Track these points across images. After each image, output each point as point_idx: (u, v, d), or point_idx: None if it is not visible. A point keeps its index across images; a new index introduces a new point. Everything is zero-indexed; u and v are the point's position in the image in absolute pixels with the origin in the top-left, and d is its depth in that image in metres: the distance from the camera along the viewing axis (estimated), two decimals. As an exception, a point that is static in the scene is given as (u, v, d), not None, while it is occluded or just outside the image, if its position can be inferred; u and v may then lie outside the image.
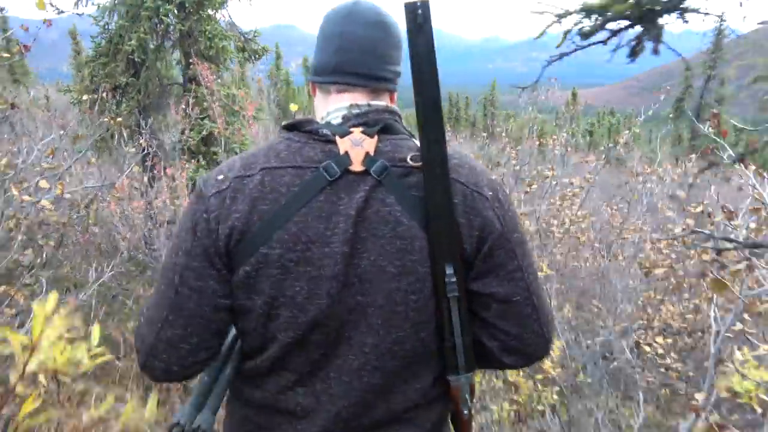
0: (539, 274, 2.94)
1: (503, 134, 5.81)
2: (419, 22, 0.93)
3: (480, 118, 42.64)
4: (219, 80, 5.22)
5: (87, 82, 5.59)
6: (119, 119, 3.54)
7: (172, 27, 5.87)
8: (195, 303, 0.98)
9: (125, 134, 4.59)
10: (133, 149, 4.09)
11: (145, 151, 4.39)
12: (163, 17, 5.68)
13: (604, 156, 4.59)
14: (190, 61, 5.03)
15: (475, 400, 1.16)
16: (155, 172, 4.43)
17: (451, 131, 19.49)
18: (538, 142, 5.83)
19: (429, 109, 0.95)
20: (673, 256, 4.25)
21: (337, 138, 0.99)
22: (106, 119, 4.02)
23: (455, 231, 0.96)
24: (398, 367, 1.00)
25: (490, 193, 1.01)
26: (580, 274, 5.09)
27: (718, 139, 2.25)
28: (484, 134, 6.40)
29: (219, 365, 1.05)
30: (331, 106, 1.05)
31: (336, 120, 1.03)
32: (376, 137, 0.99)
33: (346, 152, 0.97)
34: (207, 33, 5.45)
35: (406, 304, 0.97)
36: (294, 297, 0.96)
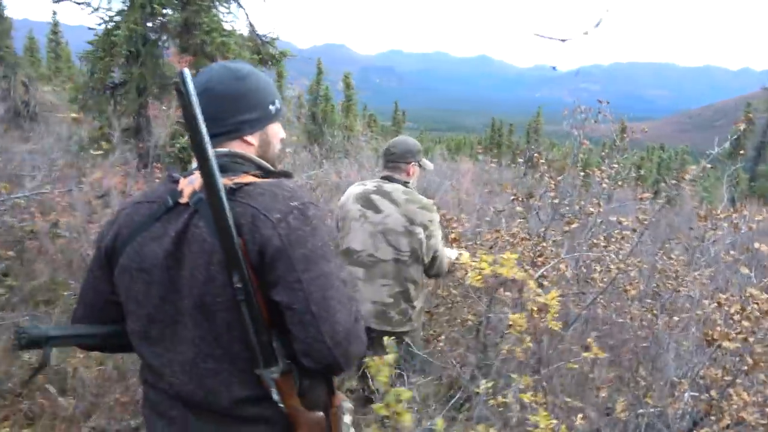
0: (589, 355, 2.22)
1: (542, 162, 5.07)
2: (179, 89, 1.13)
3: (523, 146, 41.51)
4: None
5: (86, 79, 5.12)
6: (95, 121, 3.00)
7: (165, 18, 5.23)
8: (93, 296, 1.42)
9: (115, 137, 4.04)
10: (114, 153, 3.55)
11: (129, 156, 3.86)
12: (157, 6, 5.03)
13: (664, 195, 3.79)
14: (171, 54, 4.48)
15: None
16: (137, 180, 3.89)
17: (483, 156, 18.72)
18: (582, 173, 5.07)
19: (198, 154, 1.15)
20: (746, 324, 3.41)
21: (181, 179, 1.33)
22: (91, 120, 3.50)
23: (235, 245, 1.15)
24: (226, 357, 1.24)
25: (277, 216, 1.21)
26: (624, 332, 4.26)
27: None
28: (520, 160, 5.67)
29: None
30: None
31: (194, 165, 1.30)
32: None
33: (182, 189, 1.29)
34: (204, 26, 4.88)
35: (215, 305, 1.21)
36: (136, 295, 1.30)
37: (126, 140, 4.66)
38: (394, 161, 3.09)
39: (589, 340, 2.25)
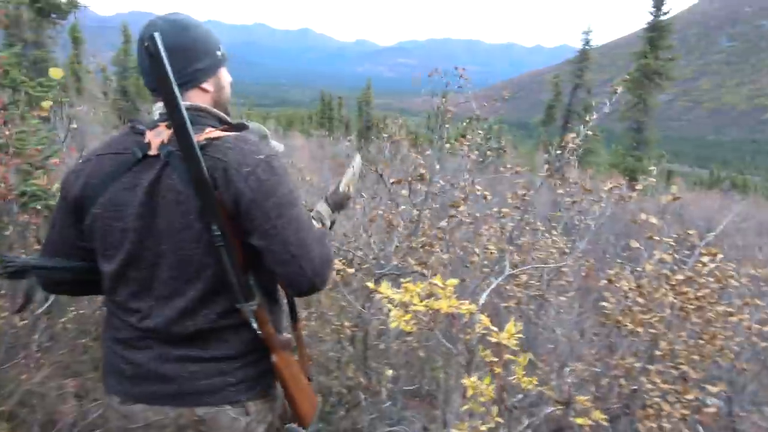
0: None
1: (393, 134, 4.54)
2: (151, 52, 1.22)
3: (354, 119, 41.55)
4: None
5: None
6: None
7: None
8: (60, 243, 1.46)
9: None
10: None
11: None
12: None
13: (546, 165, 3.44)
14: None
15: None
16: None
17: (322, 131, 18.19)
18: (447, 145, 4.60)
19: (171, 112, 1.25)
20: (640, 300, 3.22)
21: (147, 131, 1.36)
22: None
23: (212, 197, 1.27)
24: (197, 294, 1.35)
25: (247, 170, 1.30)
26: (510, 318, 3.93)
27: None
28: (354, 134, 5.08)
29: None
30: (154, 107, 1.43)
31: (156, 117, 1.40)
32: (172, 129, 1.31)
33: (149, 141, 1.34)
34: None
35: (191, 250, 1.32)
36: (112, 242, 1.37)
37: None
38: None
39: (582, 400, 1.68)
